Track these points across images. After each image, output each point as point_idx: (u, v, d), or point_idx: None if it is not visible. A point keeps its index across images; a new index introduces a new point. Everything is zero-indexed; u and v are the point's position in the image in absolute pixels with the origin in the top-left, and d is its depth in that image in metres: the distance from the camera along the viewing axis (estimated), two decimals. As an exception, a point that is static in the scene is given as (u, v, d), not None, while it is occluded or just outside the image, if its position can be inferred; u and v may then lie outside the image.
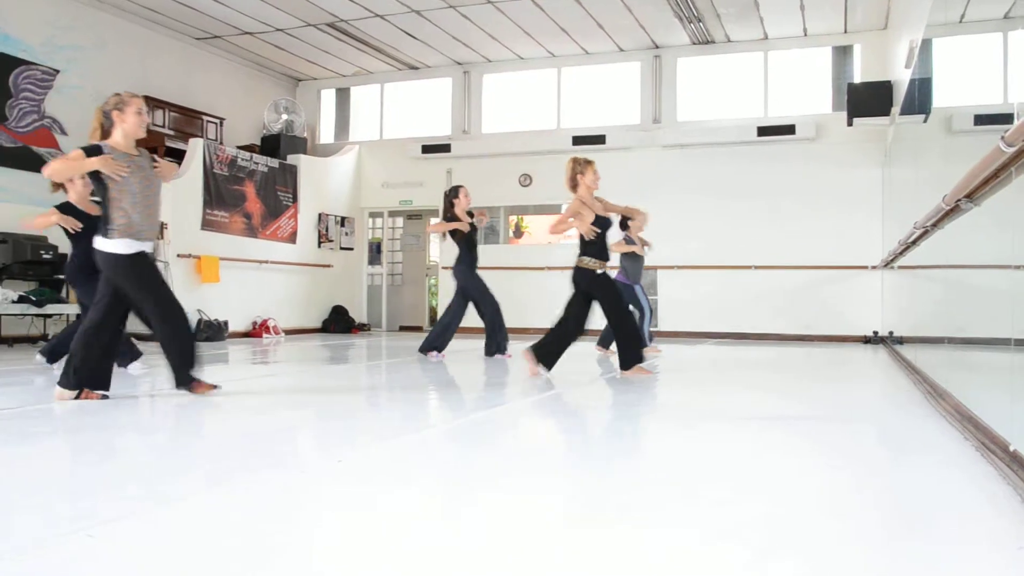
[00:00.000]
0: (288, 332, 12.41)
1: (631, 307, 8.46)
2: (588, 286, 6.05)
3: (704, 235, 12.23)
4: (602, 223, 6.10)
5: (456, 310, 7.96)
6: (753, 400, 5.21)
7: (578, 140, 12.88)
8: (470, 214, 7.98)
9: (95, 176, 4.52)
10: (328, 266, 13.63)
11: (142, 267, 4.56)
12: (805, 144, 11.91)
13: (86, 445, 3.51)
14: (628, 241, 8.60)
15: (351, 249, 14.28)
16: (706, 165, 12.35)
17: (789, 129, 11.85)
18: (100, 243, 4.52)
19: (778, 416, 4.43)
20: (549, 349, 6.07)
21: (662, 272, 12.46)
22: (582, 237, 6.12)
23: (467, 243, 7.89)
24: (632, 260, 8.68)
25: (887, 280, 10.58)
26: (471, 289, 7.86)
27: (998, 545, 2.11)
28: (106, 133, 4.63)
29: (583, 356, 8.72)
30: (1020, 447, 2.80)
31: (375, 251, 14.79)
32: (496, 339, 7.97)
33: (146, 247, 4.63)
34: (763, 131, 11.98)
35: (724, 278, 12.17)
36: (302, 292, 13.05)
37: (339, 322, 13.45)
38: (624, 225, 8.66)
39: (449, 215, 8.00)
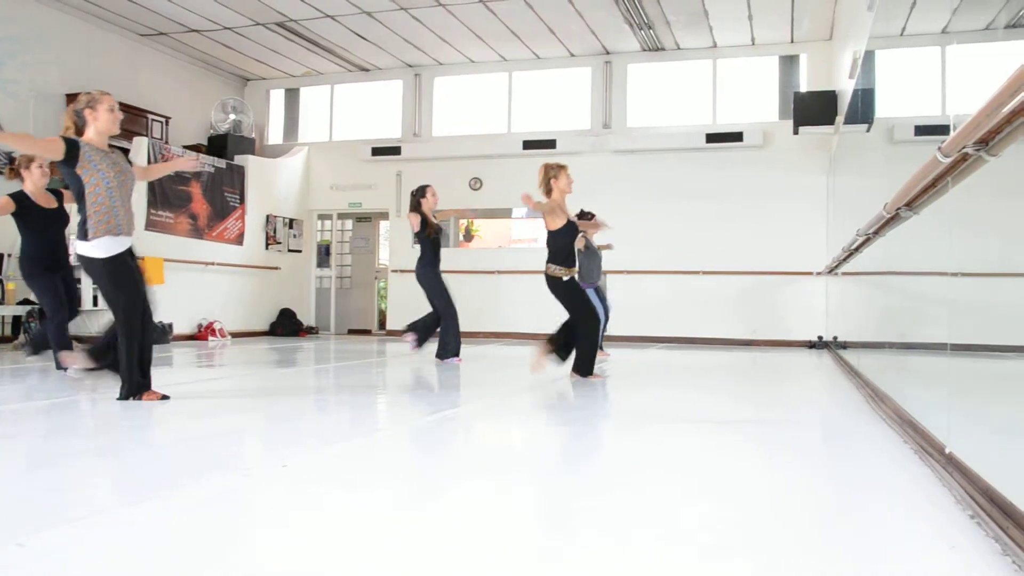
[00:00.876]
0: (234, 335, 12.24)
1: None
2: (556, 292, 6.17)
3: (653, 240, 12.33)
4: (571, 230, 6.17)
5: (443, 309, 7.90)
6: (702, 403, 5.28)
7: (528, 144, 12.91)
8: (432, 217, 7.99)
9: (71, 173, 4.51)
10: (276, 268, 13.47)
11: (118, 270, 4.60)
12: (752, 151, 12.10)
13: (23, 451, 3.42)
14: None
15: (299, 251, 14.13)
16: (655, 171, 12.46)
17: (737, 136, 12.03)
18: (80, 247, 4.54)
19: (726, 419, 4.48)
20: (560, 342, 6.25)
21: (611, 277, 12.48)
22: (549, 244, 6.17)
23: (432, 244, 7.89)
24: (587, 259, 8.44)
25: (831, 286, 10.79)
26: (431, 290, 7.87)
27: (933, 544, 2.17)
28: (79, 132, 4.63)
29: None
30: (955, 450, 2.88)
31: (324, 253, 14.64)
32: (449, 342, 7.96)
33: (125, 243, 4.67)
34: (711, 138, 12.14)
35: (672, 283, 12.29)
36: (249, 294, 12.88)
37: (287, 325, 13.30)
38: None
39: (420, 211, 7.95)
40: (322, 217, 14.62)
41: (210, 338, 11.62)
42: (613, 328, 12.38)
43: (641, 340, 12.20)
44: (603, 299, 8.76)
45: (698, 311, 12.15)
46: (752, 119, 12.30)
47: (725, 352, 10.53)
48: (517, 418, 4.52)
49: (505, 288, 12.95)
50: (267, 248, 13.33)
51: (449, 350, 7.95)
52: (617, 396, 5.61)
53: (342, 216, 14.56)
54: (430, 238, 7.84)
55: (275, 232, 13.49)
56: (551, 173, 6.16)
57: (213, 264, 12.01)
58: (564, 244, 6.15)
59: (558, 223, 6.10)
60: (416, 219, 7.85)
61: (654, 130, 12.68)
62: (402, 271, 13.51)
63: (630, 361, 8.80)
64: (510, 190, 13.00)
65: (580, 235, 8.28)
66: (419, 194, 7.94)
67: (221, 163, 12.32)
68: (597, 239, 8.86)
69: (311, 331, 13.82)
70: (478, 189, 13.35)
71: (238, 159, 12.89)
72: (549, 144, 12.84)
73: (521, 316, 12.74)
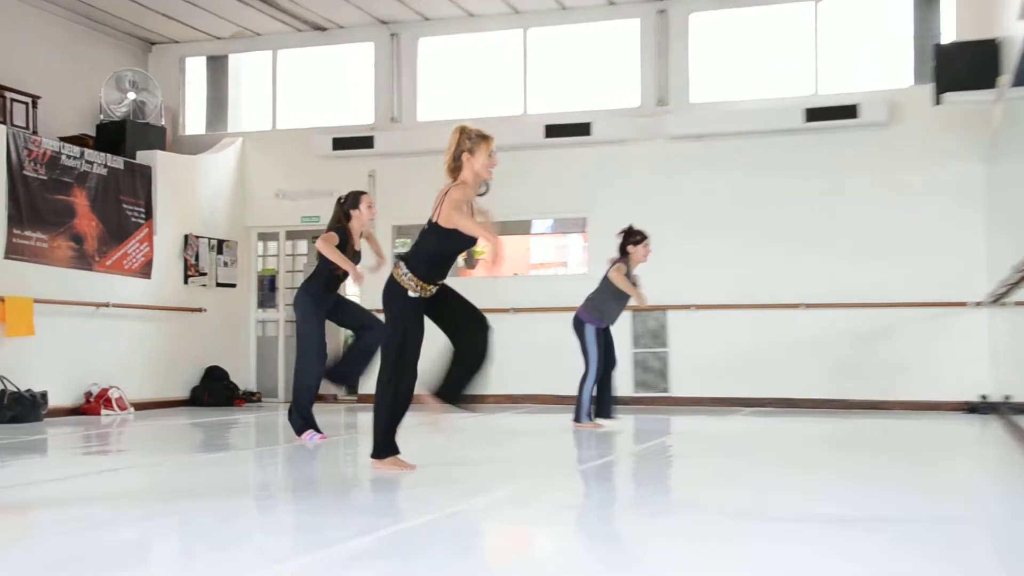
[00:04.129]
0: (140, 406, 12.09)
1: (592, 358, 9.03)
2: (385, 304, 5.96)
3: (731, 262, 12.17)
4: (460, 241, 5.90)
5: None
6: (808, 494, 5.29)
7: (553, 130, 12.82)
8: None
9: None
10: (199, 310, 13.36)
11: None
12: (873, 131, 11.91)
13: None
14: (625, 271, 8.90)
15: (233, 285, 14.02)
16: (731, 164, 12.34)
17: (850, 111, 11.83)
18: None
19: (841, 517, 4.48)
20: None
21: (673, 315, 12.35)
22: (422, 242, 5.96)
23: (332, 274, 7.72)
24: (615, 300, 8.96)
25: (998, 321, 10.58)
26: (303, 321, 7.76)
27: None
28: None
29: (560, 433, 8.58)
30: None
31: (268, 288, 14.54)
32: (298, 408, 7.83)
33: None
34: (813, 114, 11.94)
35: (760, 322, 12.13)
36: (161, 348, 12.76)
37: (216, 391, 13.15)
38: (624, 251, 8.92)
39: (343, 233, 7.72)
40: (265, 237, 14.54)
41: (104, 412, 11.48)
42: (678, 386, 12.24)
43: (717, 404, 12.02)
44: (610, 346, 9.16)
45: (798, 361, 11.96)
46: (872, 86, 12.17)
47: (840, 419, 10.43)
48: (544, 516, 4.63)
49: (523, 332, 12.79)
50: (186, 282, 13.23)
51: (304, 420, 7.81)
52: (684, 484, 5.81)
53: (293, 235, 14.46)
54: (337, 274, 7.69)
55: (197, 259, 13.39)
56: (464, 145, 5.87)
57: (107, 306, 11.90)
58: (440, 252, 5.92)
59: (455, 220, 5.75)
60: (331, 244, 7.50)
61: (729, 106, 12.59)
62: (379, 310, 13.33)
63: (702, 433, 8.85)
64: (528, 195, 12.88)
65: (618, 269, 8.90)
66: (349, 204, 7.79)
67: (116, 162, 12.27)
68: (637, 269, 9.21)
69: (251, 398, 13.68)
70: (483, 194, 13.11)
71: (141, 156, 12.83)
72: (582, 129, 12.79)
73: (547, 370, 12.56)
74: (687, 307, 12.27)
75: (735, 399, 12.07)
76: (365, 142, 13.59)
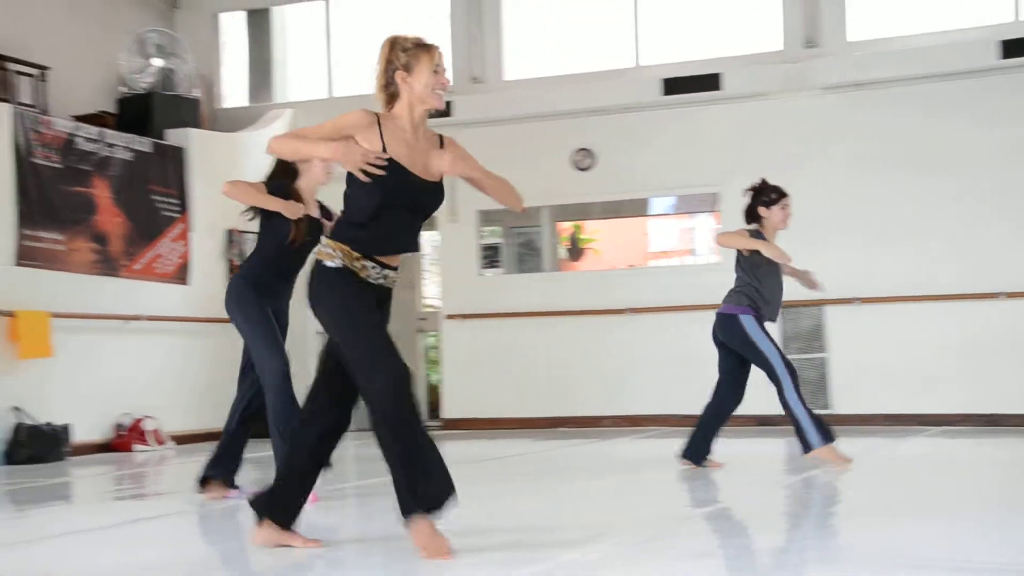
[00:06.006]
0: (181, 439, 12.23)
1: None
2: (312, 296, 5.02)
3: (905, 243, 12.02)
4: (418, 189, 5.08)
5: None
6: (1013, 540, 5.15)
7: (673, 85, 12.81)
8: (328, 214, 7.04)
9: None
10: (246, 321, 13.51)
11: None
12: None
13: None
14: (756, 235, 8.14)
15: (287, 290, 14.17)
16: (903, 118, 12.19)
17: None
18: None
19: None
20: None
21: (832, 311, 12.21)
22: (346, 205, 5.15)
23: (278, 243, 7.02)
24: (762, 277, 8.22)
25: None
26: (244, 326, 7.08)
27: None
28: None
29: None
30: None
31: (327, 292, 14.64)
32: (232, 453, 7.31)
33: None
34: (1012, 48, 11.75)
35: (946, 317, 11.98)
36: (203, 369, 12.85)
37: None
38: (753, 214, 8.27)
39: (284, 191, 6.91)
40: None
41: (137, 446, 11.65)
42: (841, 402, 12.06)
43: (893, 422, 11.88)
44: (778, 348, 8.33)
45: (1000, 366, 11.77)
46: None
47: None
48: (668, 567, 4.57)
49: (643, 338, 12.75)
50: (230, 287, 13.38)
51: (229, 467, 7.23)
52: (850, 526, 5.69)
53: (355, 226, 14.56)
54: (288, 247, 6.96)
55: (243, 259, 13.55)
56: (398, 60, 5.02)
57: (139, 319, 12.09)
58: (357, 203, 5.09)
59: (280, 148, 5.26)
60: (243, 186, 7.09)
61: (899, 44, 12.49)
62: (465, 316, 13.39)
63: (873, 460, 8.76)
64: (643, 167, 12.84)
65: (739, 231, 8.29)
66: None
67: (143, 144, 12.42)
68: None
69: (310, 427, 13.77)
70: (587, 168, 13.26)
71: (172, 136, 13.00)
72: (709, 83, 12.80)
73: (674, 384, 12.47)
74: (850, 301, 12.11)
75: (916, 416, 11.92)
76: (441, 109, 13.62)
